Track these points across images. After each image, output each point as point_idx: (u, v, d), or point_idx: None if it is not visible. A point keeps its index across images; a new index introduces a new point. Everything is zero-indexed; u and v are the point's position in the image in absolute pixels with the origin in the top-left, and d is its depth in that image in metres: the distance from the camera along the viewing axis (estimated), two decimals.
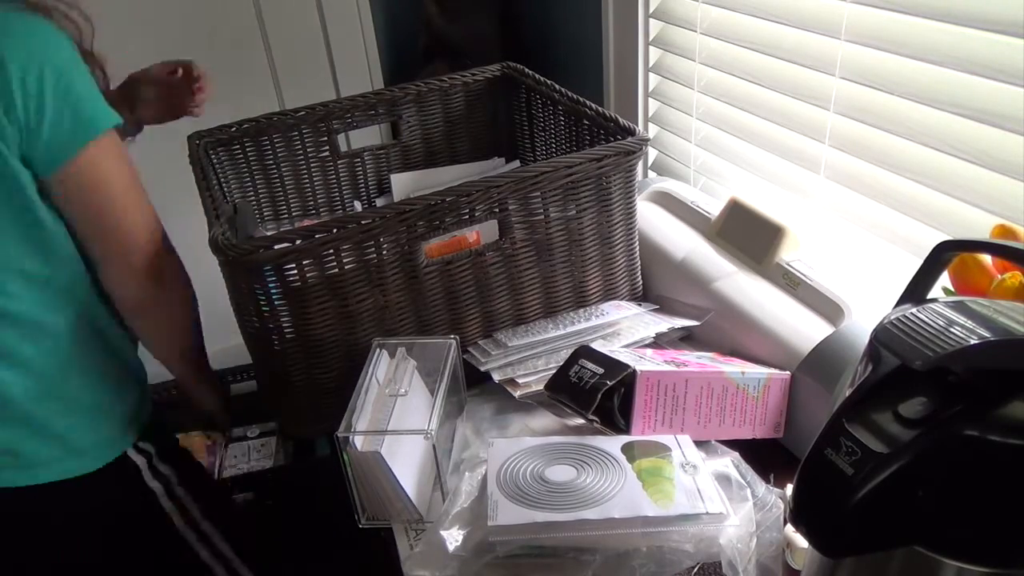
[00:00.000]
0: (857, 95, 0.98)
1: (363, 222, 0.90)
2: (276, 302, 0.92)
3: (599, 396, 0.84)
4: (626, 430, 0.85)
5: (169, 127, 1.19)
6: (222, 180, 1.18)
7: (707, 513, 0.74)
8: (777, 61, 1.09)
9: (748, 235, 1.07)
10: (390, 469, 0.81)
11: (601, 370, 0.87)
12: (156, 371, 1.05)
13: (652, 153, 1.47)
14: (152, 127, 1.16)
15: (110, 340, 0.95)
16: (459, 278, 1.00)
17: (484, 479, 0.81)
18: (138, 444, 0.98)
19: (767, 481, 0.81)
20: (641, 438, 0.85)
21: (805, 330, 0.92)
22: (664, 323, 1.03)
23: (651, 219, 1.20)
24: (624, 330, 1.02)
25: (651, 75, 1.39)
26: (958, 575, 0.48)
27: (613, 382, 0.85)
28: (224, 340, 1.25)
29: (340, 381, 0.95)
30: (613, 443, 0.83)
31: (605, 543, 0.74)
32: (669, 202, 1.24)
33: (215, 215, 0.93)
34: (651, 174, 1.47)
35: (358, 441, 0.81)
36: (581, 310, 1.08)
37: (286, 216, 1.28)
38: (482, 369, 0.98)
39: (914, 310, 0.52)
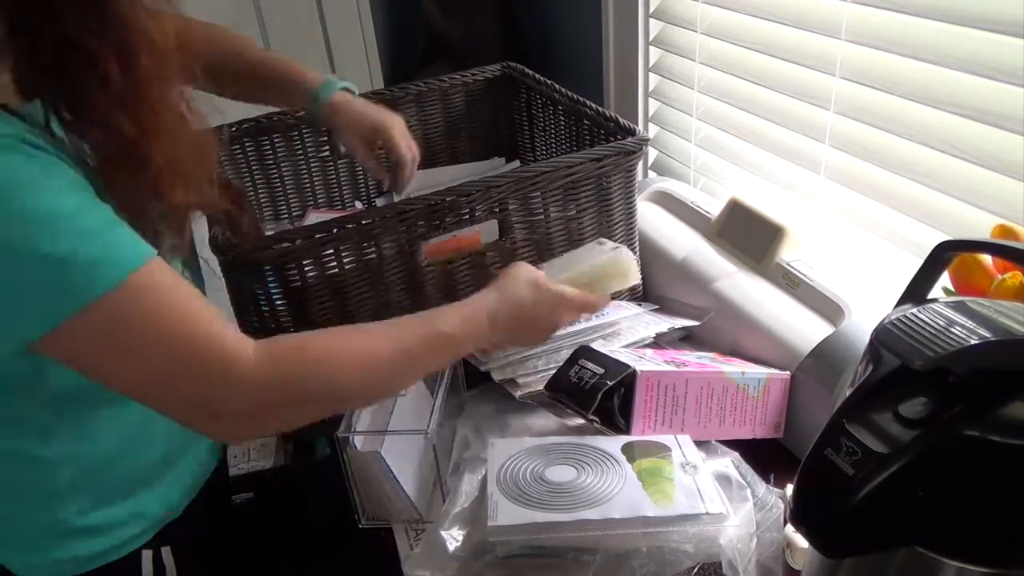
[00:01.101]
0: (857, 95, 0.98)
1: (363, 222, 0.90)
2: (276, 302, 0.92)
3: (599, 396, 0.84)
4: (626, 430, 0.85)
5: None
6: None
7: (707, 513, 0.74)
8: (777, 61, 1.09)
9: (748, 235, 1.07)
10: (390, 469, 0.81)
11: (601, 370, 0.87)
12: None
13: (652, 153, 1.47)
14: None
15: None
16: (459, 278, 1.00)
17: (484, 479, 0.81)
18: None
19: (767, 481, 0.81)
20: (641, 438, 0.85)
21: (805, 330, 0.92)
22: (664, 323, 1.03)
23: (651, 219, 1.20)
24: (624, 330, 1.02)
25: (651, 75, 1.39)
26: (958, 575, 0.48)
27: (613, 382, 0.85)
28: None
29: None
30: (613, 443, 0.83)
31: (605, 543, 0.74)
32: (669, 202, 1.24)
33: (215, 215, 0.93)
34: (651, 174, 1.47)
35: (358, 441, 0.81)
36: None
37: (286, 216, 1.28)
38: (482, 369, 0.98)
39: (914, 310, 0.52)
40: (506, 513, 0.75)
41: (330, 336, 0.75)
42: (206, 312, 0.66)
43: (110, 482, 0.79)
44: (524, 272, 0.86)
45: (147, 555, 0.83)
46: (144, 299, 0.62)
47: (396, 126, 1.05)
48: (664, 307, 1.11)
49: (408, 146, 1.06)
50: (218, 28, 1.02)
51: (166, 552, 0.84)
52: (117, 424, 0.76)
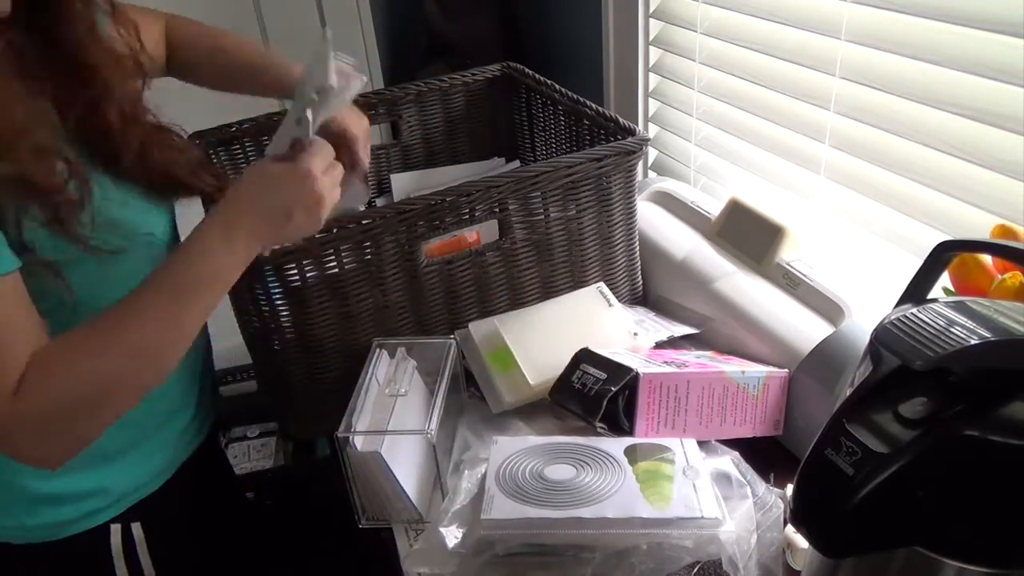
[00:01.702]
0: (857, 95, 0.98)
1: (363, 222, 0.90)
2: (276, 302, 0.92)
3: (604, 403, 0.84)
4: (630, 432, 0.86)
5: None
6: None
7: (703, 517, 0.73)
8: (777, 61, 1.09)
9: (748, 235, 1.07)
10: (390, 469, 0.81)
11: (604, 375, 0.86)
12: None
13: (652, 153, 1.47)
14: None
15: None
16: (459, 278, 1.00)
17: (484, 476, 0.81)
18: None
19: (767, 481, 0.81)
20: (645, 440, 0.85)
21: (805, 330, 0.92)
22: (663, 331, 1.03)
23: (651, 219, 1.20)
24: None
25: (651, 75, 1.39)
26: (958, 575, 0.48)
27: (617, 387, 0.84)
28: (224, 340, 1.25)
29: (340, 381, 0.95)
30: (616, 445, 0.83)
31: (604, 541, 0.74)
32: (669, 202, 1.24)
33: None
34: (651, 174, 1.47)
35: (358, 441, 0.81)
36: None
37: None
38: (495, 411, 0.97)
39: (914, 310, 0.52)
40: (500, 507, 0.75)
41: (55, 348, 0.69)
42: (11, 348, 0.66)
43: None
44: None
45: (116, 528, 0.85)
46: None
47: (361, 136, 0.94)
48: (663, 309, 1.11)
49: (366, 154, 0.95)
50: (196, 26, 1.04)
51: (136, 527, 0.86)
52: None
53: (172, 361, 0.74)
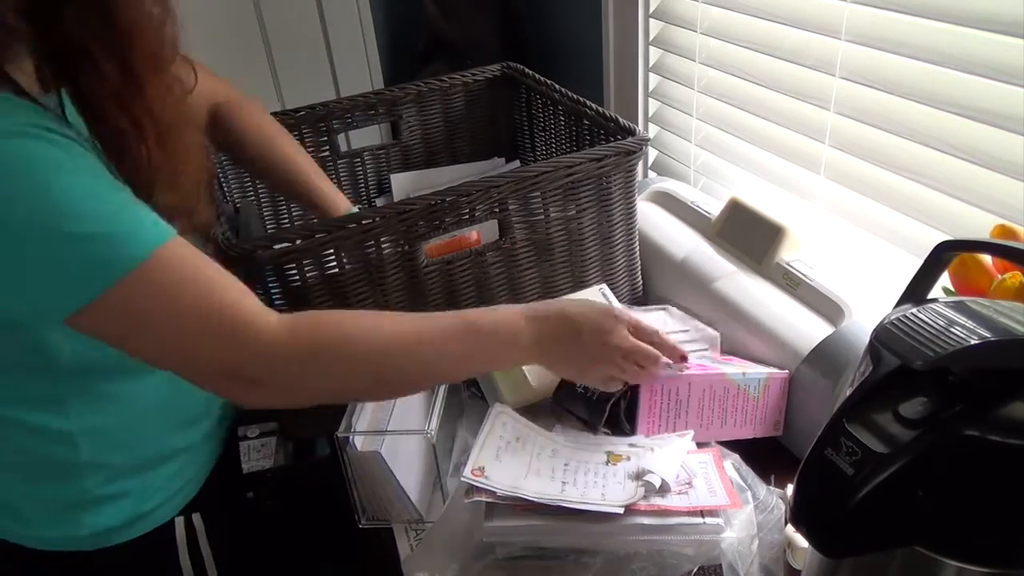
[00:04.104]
0: (857, 95, 0.98)
1: (363, 222, 0.90)
2: (276, 302, 0.92)
3: (608, 408, 0.84)
4: (632, 433, 0.86)
5: None
6: (223, 180, 1.18)
7: (704, 523, 0.73)
8: (777, 61, 1.08)
9: (748, 235, 1.07)
10: (390, 469, 0.81)
11: None
12: None
13: (652, 153, 1.47)
14: None
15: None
16: (459, 278, 1.00)
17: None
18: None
19: (767, 482, 0.81)
20: (644, 439, 0.85)
21: (805, 330, 0.92)
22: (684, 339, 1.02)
23: (651, 219, 1.20)
24: None
25: (651, 75, 1.39)
26: (958, 575, 0.48)
27: (620, 391, 0.85)
28: None
29: None
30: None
31: (605, 545, 0.74)
32: (669, 202, 1.24)
33: (216, 215, 0.93)
34: (651, 174, 1.47)
35: (358, 441, 0.81)
36: None
37: (286, 216, 1.28)
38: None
39: (914, 310, 0.52)
40: (502, 513, 0.75)
41: (353, 314, 0.79)
42: (227, 281, 0.70)
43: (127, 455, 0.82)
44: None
45: (179, 521, 0.87)
46: (170, 271, 0.66)
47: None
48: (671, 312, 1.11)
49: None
50: (259, 115, 1.09)
51: (196, 518, 0.88)
52: (130, 399, 0.79)
53: (423, 387, 0.85)
